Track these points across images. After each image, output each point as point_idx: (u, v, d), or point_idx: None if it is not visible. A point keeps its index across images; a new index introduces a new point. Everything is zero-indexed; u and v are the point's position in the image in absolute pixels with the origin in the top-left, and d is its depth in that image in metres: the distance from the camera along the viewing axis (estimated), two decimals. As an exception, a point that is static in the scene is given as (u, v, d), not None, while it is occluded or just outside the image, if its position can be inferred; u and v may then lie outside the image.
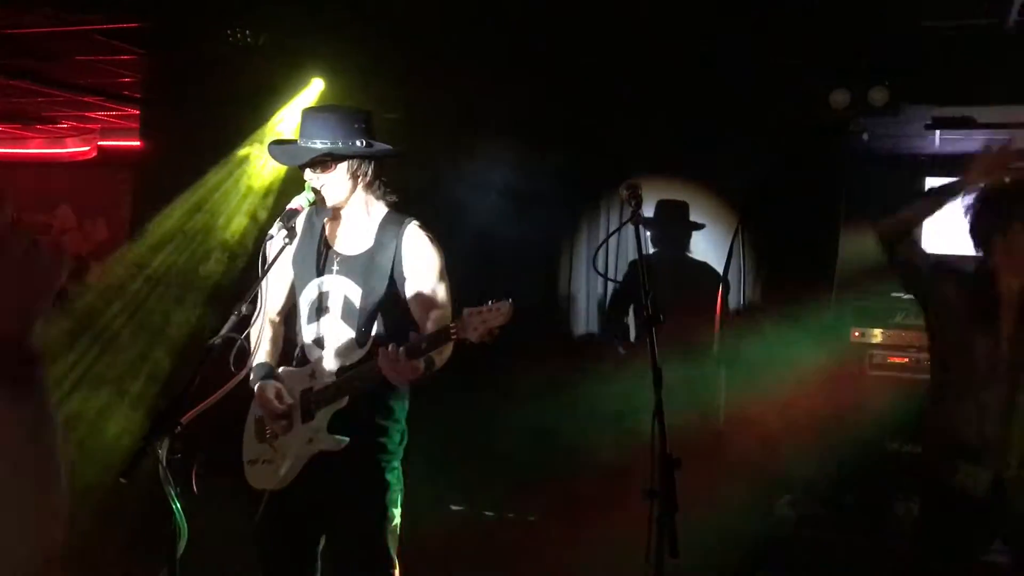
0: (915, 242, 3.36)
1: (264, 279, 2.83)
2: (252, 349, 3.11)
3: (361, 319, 3.01)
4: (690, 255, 6.50)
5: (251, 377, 3.05)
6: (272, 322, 3.24)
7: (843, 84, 5.61)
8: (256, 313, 2.96)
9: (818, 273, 6.10)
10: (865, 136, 6.28)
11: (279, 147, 3.15)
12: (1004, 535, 3.25)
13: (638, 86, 6.28)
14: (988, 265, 3.20)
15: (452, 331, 2.71)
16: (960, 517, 3.21)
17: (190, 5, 5.71)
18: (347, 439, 2.95)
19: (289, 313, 3.26)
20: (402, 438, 3.11)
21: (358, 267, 3.04)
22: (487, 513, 6.17)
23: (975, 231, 3.23)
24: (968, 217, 3.24)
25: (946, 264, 3.35)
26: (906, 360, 5.93)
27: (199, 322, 6.16)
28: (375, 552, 2.99)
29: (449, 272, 3.08)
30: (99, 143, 11.10)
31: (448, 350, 2.91)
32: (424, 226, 3.08)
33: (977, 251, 3.24)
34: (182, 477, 2.42)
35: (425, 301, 3.01)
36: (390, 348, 2.74)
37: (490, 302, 2.69)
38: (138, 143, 7.48)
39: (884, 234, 3.36)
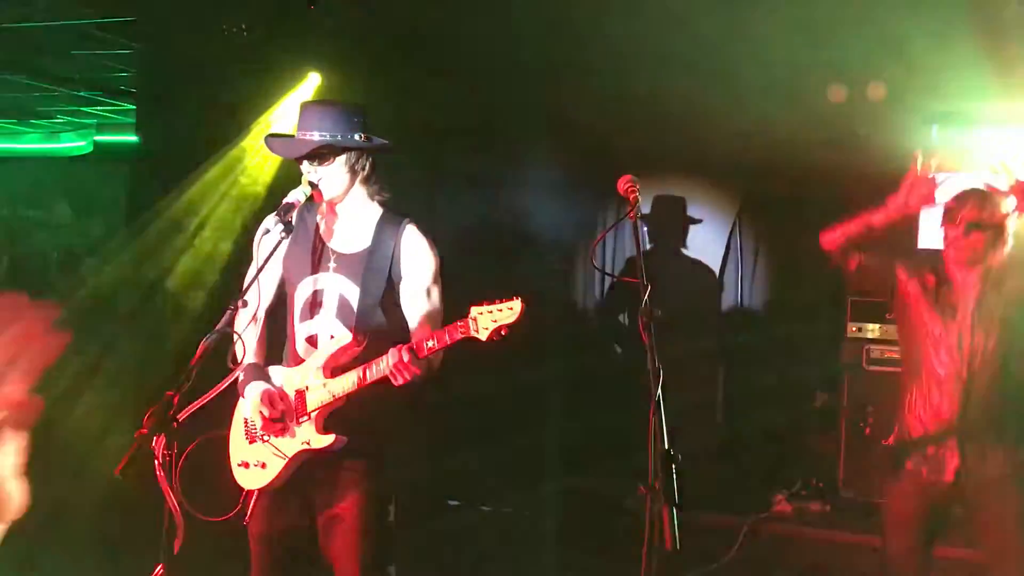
0: (862, 250, 3.53)
1: (260, 274, 2.81)
2: (246, 345, 3.08)
3: (357, 318, 2.99)
4: (686, 251, 6.49)
5: (240, 377, 3.02)
6: (260, 319, 3.20)
7: (841, 79, 5.59)
8: (255, 308, 2.94)
9: (815, 268, 6.09)
10: (863, 132, 6.27)
11: (277, 140, 3.13)
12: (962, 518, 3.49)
13: (635, 80, 6.26)
14: (944, 264, 3.48)
15: (460, 330, 2.70)
16: (922, 502, 3.44)
17: (185, -1, 5.71)
18: (345, 438, 2.93)
19: (275, 310, 3.22)
20: (395, 434, 3.09)
21: (356, 266, 3.02)
22: (484, 508, 6.16)
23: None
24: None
25: (906, 264, 3.56)
26: (904, 355, 5.90)
27: (197, 318, 6.13)
28: (370, 549, 2.97)
29: (445, 270, 3.07)
30: (95, 138, 11.07)
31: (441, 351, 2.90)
32: (421, 227, 3.07)
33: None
34: (177, 472, 2.41)
35: (419, 302, 3.01)
36: (397, 350, 2.74)
37: (499, 300, 2.67)
38: (134, 138, 7.45)
39: (830, 251, 3.56)
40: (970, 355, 3.33)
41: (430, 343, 2.76)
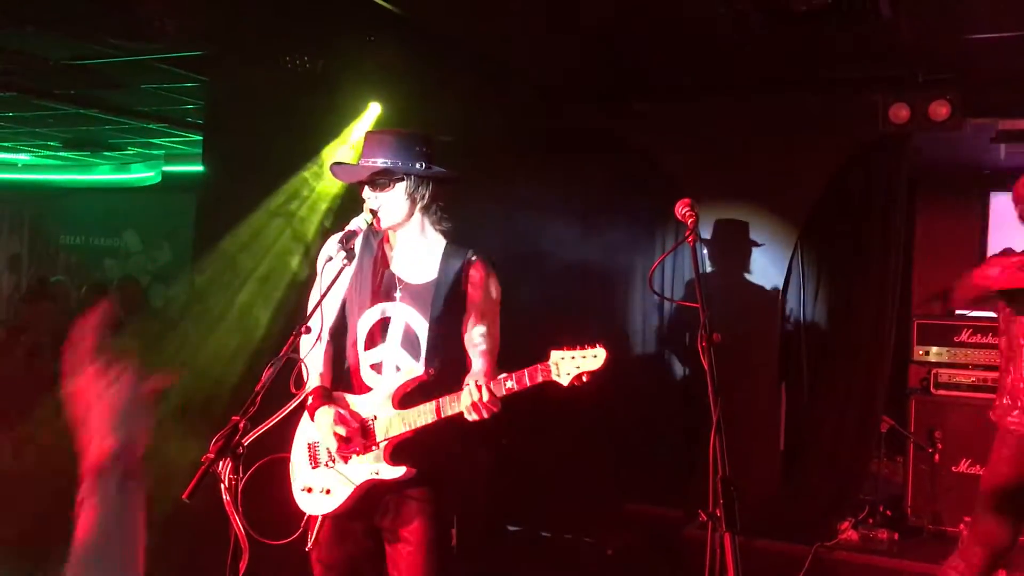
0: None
1: (323, 300, 2.84)
2: (310, 371, 3.12)
3: (425, 349, 3.00)
4: (749, 275, 6.42)
5: (309, 401, 3.05)
6: (323, 344, 3.23)
7: (902, 99, 5.51)
8: (318, 334, 2.97)
9: (879, 290, 5.99)
10: (926, 152, 6.17)
11: (340, 167, 3.18)
12: None
13: (695, 103, 6.26)
14: None
15: (542, 373, 2.62)
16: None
17: (249, 33, 5.83)
18: (414, 470, 2.93)
19: (340, 336, 3.23)
20: (460, 461, 3.10)
21: (423, 297, 3.03)
22: (544, 534, 6.14)
23: None
24: None
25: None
26: (972, 379, 5.78)
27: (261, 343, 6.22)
28: (433, 573, 2.96)
29: (505, 299, 3.07)
30: (163, 168, 11.36)
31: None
32: (486, 259, 3.08)
33: None
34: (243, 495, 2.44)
35: (482, 336, 2.98)
36: (478, 388, 2.69)
37: (581, 346, 2.59)
38: (201, 168, 7.63)
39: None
40: None
41: (509, 384, 2.68)
